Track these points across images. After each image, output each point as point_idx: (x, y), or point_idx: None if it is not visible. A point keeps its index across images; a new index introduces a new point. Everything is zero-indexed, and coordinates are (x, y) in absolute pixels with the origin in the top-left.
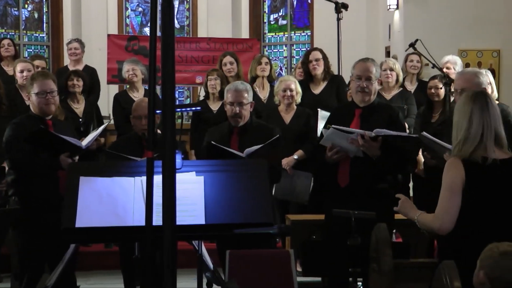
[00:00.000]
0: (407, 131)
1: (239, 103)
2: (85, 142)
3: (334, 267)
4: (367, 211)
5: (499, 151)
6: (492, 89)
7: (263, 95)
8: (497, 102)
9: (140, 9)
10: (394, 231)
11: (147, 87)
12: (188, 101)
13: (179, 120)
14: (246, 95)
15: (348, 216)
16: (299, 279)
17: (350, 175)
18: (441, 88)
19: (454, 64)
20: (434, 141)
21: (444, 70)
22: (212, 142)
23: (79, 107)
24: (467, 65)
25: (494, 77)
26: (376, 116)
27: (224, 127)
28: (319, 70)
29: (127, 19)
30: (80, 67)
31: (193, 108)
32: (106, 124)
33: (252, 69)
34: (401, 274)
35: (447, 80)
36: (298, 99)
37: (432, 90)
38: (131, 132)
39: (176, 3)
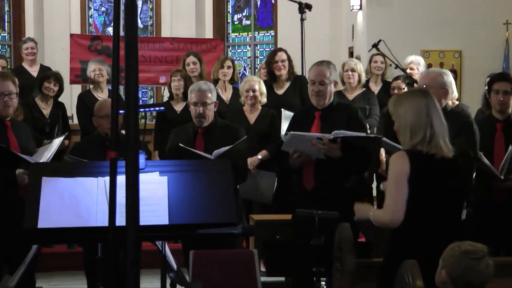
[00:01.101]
0: (368, 130)
1: (202, 103)
2: (43, 159)
3: (297, 266)
4: (332, 211)
5: (449, 147)
6: (453, 90)
7: (226, 96)
8: (457, 102)
9: (103, 8)
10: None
11: (110, 87)
12: (151, 101)
13: (143, 120)
14: (209, 95)
15: (312, 216)
16: (263, 279)
17: (315, 178)
18: (404, 89)
19: (417, 65)
20: (393, 146)
21: (408, 70)
22: (180, 144)
23: (46, 108)
24: (429, 65)
25: (455, 77)
26: (336, 116)
27: (188, 128)
28: (284, 71)
29: (90, 19)
30: (36, 67)
31: (157, 108)
32: (62, 137)
33: (215, 71)
34: (364, 273)
35: (410, 81)
36: (263, 99)
37: (395, 91)
38: (95, 132)
39: (139, 3)
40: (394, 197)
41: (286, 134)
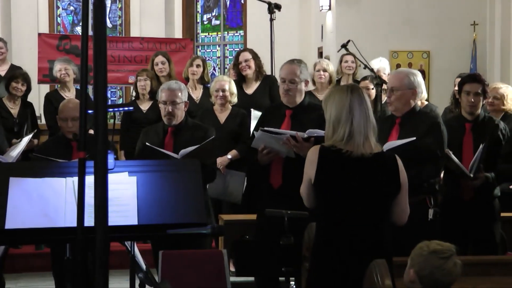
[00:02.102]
0: None
1: (172, 102)
2: (10, 159)
3: (267, 266)
4: (299, 211)
5: (372, 145)
6: (422, 90)
7: (196, 95)
8: (426, 102)
9: (71, 8)
10: None
11: (78, 87)
12: (120, 101)
13: (111, 120)
14: (179, 94)
15: (281, 216)
16: (232, 279)
17: (283, 176)
18: (372, 89)
19: (383, 70)
20: None
21: (374, 70)
22: (147, 143)
23: (14, 108)
24: (397, 65)
25: (424, 78)
26: (306, 116)
27: (158, 127)
28: (250, 70)
29: (59, 18)
30: (6, 66)
31: (125, 108)
32: (31, 135)
33: (185, 70)
34: None
35: (378, 81)
36: (233, 99)
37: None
38: (59, 132)
39: (108, 2)
40: (304, 190)
41: (256, 130)
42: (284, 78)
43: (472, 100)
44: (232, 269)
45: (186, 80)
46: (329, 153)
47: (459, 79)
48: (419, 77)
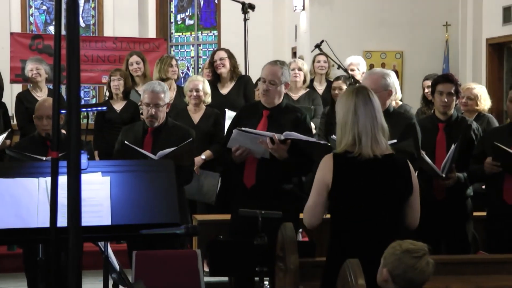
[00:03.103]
0: (314, 130)
1: (155, 104)
2: None
3: (241, 266)
4: (273, 211)
5: (382, 146)
6: (396, 91)
7: (170, 95)
8: (400, 103)
9: (44, 7)
10: (300, 230)
11: (51, 87)
12: (94, 101)
13: (85, 120)
14: (162, 96)
15: (255, 216)
16: (206, 279)
17: (256, 176)
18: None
19: (357, 65)
20: None
21: (349, 71)
22: (126, 142)
23: None
24: (371, 66)
25: (397, 78)
26: (283, 117)
27: (138, 126)
28: (225, 69)
29: (31, 18)
30: None
31: (99, 108)
32: (5, 134)
33: (162, 70)
34: (307, 272)
35: (351, 81)
36: (207, 99)
37: (336, 91)
38: (35, 132)
39: (81, 2)
40: (311, 202)
41: (231, 129)
42: (265, 78)
43: (445, 100)
44: (206, 269)
45: (162, 81)
46: (343, 159)
47: (427, 81)
48: (393, 77)
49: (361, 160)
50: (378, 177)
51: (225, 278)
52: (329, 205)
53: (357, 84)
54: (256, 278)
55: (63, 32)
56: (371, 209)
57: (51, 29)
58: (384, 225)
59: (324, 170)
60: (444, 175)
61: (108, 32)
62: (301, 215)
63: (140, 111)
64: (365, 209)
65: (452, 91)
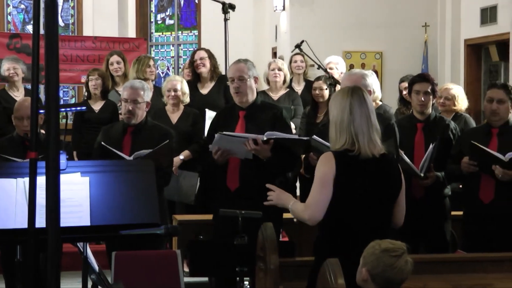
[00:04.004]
0: (293, 130)
1: (133, 100)
2: None
3: (221, 266)
4: (254, 211)
5: (377, 146)
6: (374, 91)
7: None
8: (380, 103)
9: (22, 6)
10: (281, 230)
11: (28, 86)
12: (73, 101)
13: (64, 120)
14: (141, 93)
15: (235, 216)
16: (186, 279)
17: (240, 178)
18: (325, 89)
19: (336, 64)
20: (323, 144)
21: (328, 70)
22: (102, 143)
23: None
24: (351, 66)
25: (377, 78)
26: (260, 115)
27: (118, 126)
28: (205, 69)
29: (9, 16)
30: None
31: (78, 108)
32: None
33: (140, 71)
34: (287, 272)
35: (331, 81)
36: (186, 99)
37: (317, 91)
38: (14, 132)
39: (60, 1)
40: (317, 197)
41: (209, 134)
42: (233, 77)
43: (422, 99)
44: (186, 269)
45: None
46: (344, 157)
47: (403, 83)
48: (372, 78)
49: (361, 159)
50: (377, 176)
51: (205, 278)
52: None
53: (337, 85)
54: (237, 278)
55: (42, 31)
56: (369, 207)
57: (30, 28)
58: (379, 224)
59: (327, 165)
60: (422, 175)
61: (87, 31)
62: (285, 215)
63: (119, 111)
64: (364, 207)
65: (429, 90)
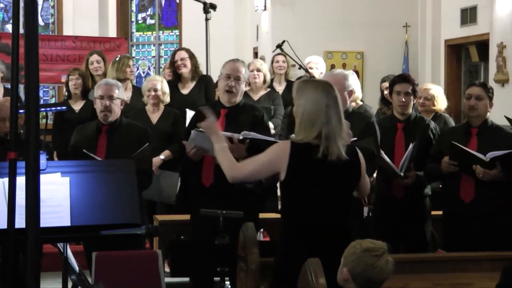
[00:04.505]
0: (273, 131)
1: (109, 96)
2: None
3: (202, 267)
4: (233, 210)
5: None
6: (354, 91)
7: (127, 95)
8: (361, 103)
9: (1, 5)
10: (261, 230)
11: (8, 86)
12: (53, 101)
13: (44, 120)
14: (116, 90)
15: (217, 216)
16: (167, 279)
17: (214, 175)
18: None
19: (316, 64)
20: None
21: (308, 70)
22: (84, 151)
23: None
24: (332, 66)
25: (357, 78)
26: (241, 116)
27: (92, 125)
28: (186, 69)
29: None
30: None
31: (58, 108)
32: None
33: (119, 71)
34: (268, 272)
35: None
36: (166, 99)
37: None
38: None
39: (40, 0)
40: (253, 165)
41: (188, 130)
42: (230, 74)
43: (403, 99)
44: (167, 269)
45: (120, 81)
46: (301, 150)
47: (384, 83)
48: (353, 78)
49: (323, 158)
50: (335, 178)
51: (186, 279)
52: (281, 199)
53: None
54: (217, 278)
55: (21, 30)
56: (324, 208)
57: (9, 27)
58: (337, 220)
59: (279, 155)
60: (402, 174)
61: (67, 31)
62: (260, 215)
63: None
64: (319, 205)
65: (409, 90)
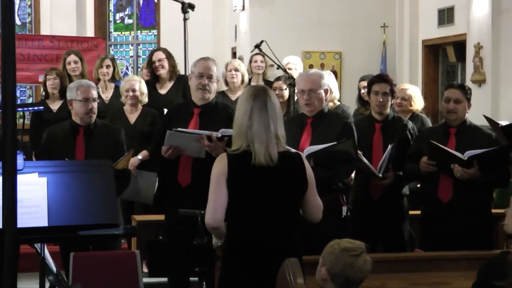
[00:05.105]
0: None
1: (93, 99)
2: None
3: (180, 267)
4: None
5: (275, 153)
6: (331, 90)
7: (106, 95)
8: (338, 103)
9: None
10: None
11: None
12: (30, 100)
13: (21, 120)
14: (94, 92)
15: (195, 216)
16: (145, 280)
17: (191, 175)
18: (285, 89)
19: (295, 65)
20: None
21: (287, 70)
22: (67, 159)
23: None
24: (310, 66)
25: (336, 78)
26: (215, 114)
27: (64, 126)
28: (163, 70)
29: None
30: None
31: (35, 108)
32: None
33: (95, 71)
34: None
35: (291, 81)
36: (144, 99)
37: (277, 92)
38: None
39: None
40: (214, 198)
41: (161, 130)
42: (203, 73)
43: (381, 99)
44: (145, 270)
45: (98, 80)
46: (237, 159)
47: (362, 82)
48: (330, 77)
49: (255, 165)
50: (273, 183)
51: (164, 279)
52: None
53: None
54: (195, 279)
55: None
56: (264, 209)
57: None
58: (277, 224)
59: (219, 166)
60: (381, 175)
61: (45, 30)
62: None
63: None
64: (261, 211)
65: (387, 90)
